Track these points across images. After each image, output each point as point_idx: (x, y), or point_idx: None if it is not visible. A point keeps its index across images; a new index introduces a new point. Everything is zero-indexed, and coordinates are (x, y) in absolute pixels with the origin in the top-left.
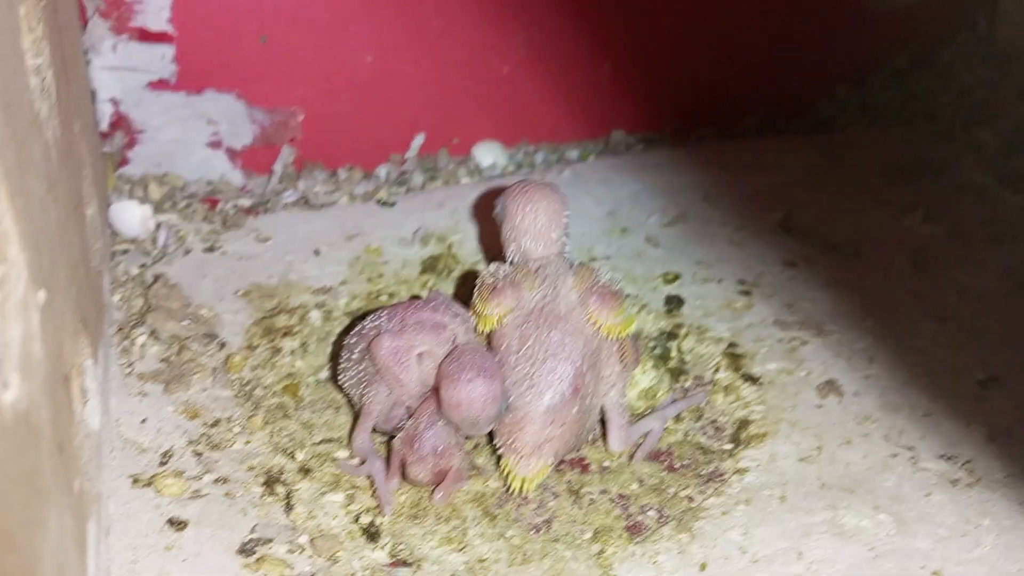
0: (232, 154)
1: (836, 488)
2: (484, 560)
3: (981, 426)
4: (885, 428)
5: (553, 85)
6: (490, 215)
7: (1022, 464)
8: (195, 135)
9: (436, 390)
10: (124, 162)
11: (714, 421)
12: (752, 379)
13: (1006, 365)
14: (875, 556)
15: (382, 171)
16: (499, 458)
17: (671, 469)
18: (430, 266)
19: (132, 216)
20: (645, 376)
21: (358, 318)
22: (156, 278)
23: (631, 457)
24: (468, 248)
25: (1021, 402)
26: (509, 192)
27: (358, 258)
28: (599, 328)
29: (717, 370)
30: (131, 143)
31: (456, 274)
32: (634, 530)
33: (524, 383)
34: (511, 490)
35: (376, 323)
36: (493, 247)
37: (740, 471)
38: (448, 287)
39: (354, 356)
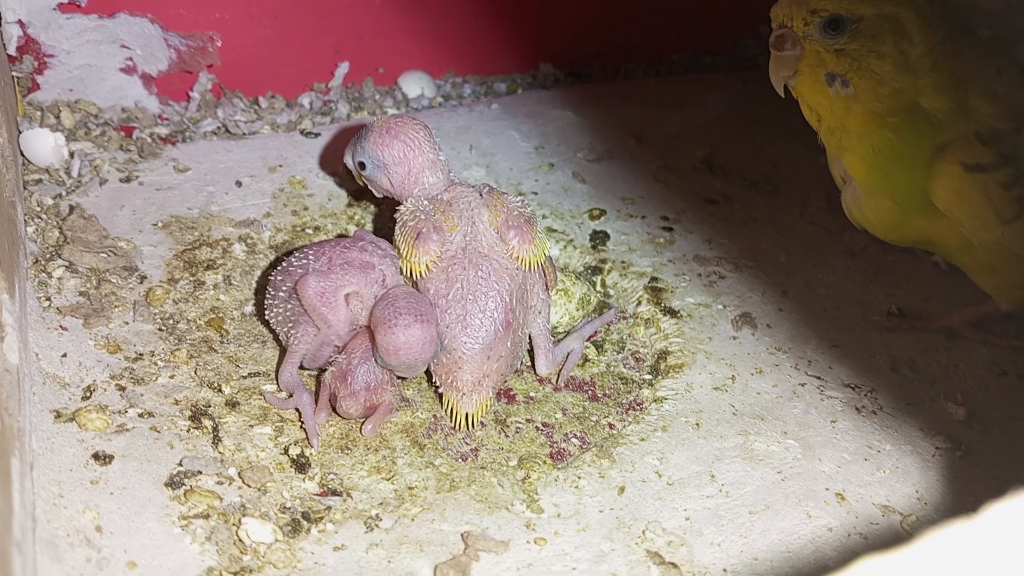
0: (147, 80)
1: (747, 415)
2: (413, 488)
3: (885, 357)
4: (795, 358)
5: (482, 15)
6: None
7: (921, 392)
8: (108, 60)
9: (371, 334)
10: (34, 88)
11: (635, 352)
12: (672, 312)
13: (910, 300)
14: (783, 479)
15: (305, 100)
16: (440, 396)
17: (593, 398)
18: (357, 199)
19: (44, 144)
20: (576, 287)
21: (283, 254)
22: (72, 209)
23: (557, 376)
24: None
25: (922, 335)
26: (374, 143)
27: (282, 190)
28: (522, 262)
29: (639, 304)
30: (41, 68)
31: (384, 207)
32: (557, 457)
33: (457, 324)
34: (457, 427)
35: (302, 261)
36: None
37: (658, 400)
38: (376, 222)
39: (280, 294)
